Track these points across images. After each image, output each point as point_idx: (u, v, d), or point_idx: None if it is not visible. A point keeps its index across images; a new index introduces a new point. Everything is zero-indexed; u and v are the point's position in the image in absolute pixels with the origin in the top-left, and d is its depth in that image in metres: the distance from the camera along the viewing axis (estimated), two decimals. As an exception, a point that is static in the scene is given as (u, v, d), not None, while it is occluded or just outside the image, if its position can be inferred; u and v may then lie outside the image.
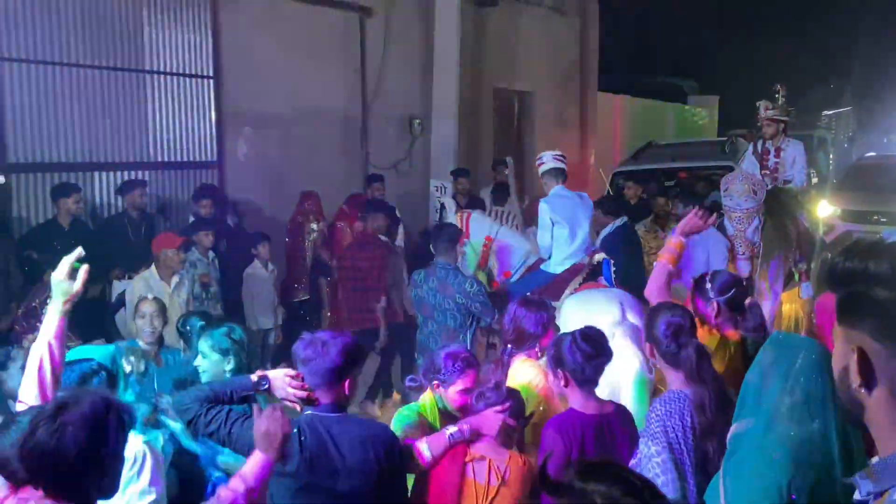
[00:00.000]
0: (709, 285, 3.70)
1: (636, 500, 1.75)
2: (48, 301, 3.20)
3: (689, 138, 13.53)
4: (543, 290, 5.98)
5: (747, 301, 3.76)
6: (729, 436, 2.35)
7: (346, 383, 2.81)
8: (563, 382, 3.16)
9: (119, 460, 2.17)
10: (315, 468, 2.65)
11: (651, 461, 2.78)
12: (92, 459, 2.03)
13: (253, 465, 2.45)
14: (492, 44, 11.29)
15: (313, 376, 2.75)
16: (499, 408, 3.08)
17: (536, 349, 3.66)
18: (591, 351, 3.12)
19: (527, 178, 11.17)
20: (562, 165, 6.14)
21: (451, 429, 3.07)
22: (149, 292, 5.26)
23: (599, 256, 5.90)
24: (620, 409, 3.30)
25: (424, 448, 3.03)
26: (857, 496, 1.40)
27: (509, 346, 3.74)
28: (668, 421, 2.84)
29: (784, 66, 17.23)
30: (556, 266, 5.96)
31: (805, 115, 15.60)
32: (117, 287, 6.38)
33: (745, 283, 5.85)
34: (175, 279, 5.99)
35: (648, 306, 3.63)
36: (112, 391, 3.11)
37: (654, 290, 3.72)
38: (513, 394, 3.20)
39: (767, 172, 7.07)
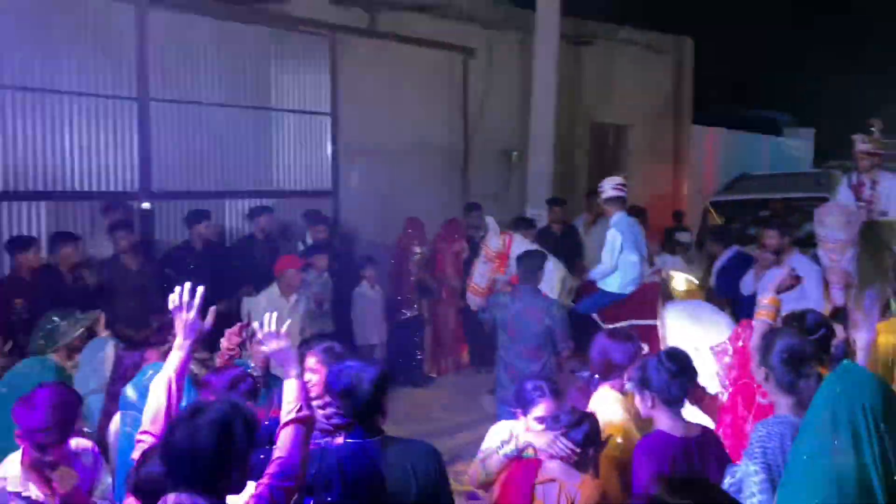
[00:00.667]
0: (796, 324, 3.64)
1: None
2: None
3: (783, 170, 13.52)
4: (611, 309, 6.40)
5: (835, 341, 3.66)
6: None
7: (382, 410, 2.82)
8: (650, 404, 3.15)
9: (247, 461, 2.35)
10: (357, 495, 2.66)
11: (749, 479, 2.76)
12: (222, 459, 2.25)
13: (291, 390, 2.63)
14: (588, 80, 11.73)
15: (350, 407, 2.75)
16: (562, 430, 3.13)
17: (623, 379, 3.60)
18: (676, 370, 3.11)
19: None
20: (622, 194, 6.49)
21: (506, 448, 3.22)
22: (270, 307, 5.57)
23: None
24: (708, 432, 3.29)
25: (478, 467, 3.24)
26: None
27: (596, 375, 3.73)
28: (767, 443, 2.82)
29: (881, 98, 16.97)
30: (623, 288, 6.38)
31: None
32: (246, 304, 7.02)
33: (839, 311, 6.03)
34: (293, 297, 6.55)
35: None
36: (255, 399, 3.39)
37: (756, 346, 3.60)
38: (587, 417, 3.20)
39: (863, 205, 7.16)
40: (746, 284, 6.62)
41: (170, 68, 7.47)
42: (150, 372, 3.23)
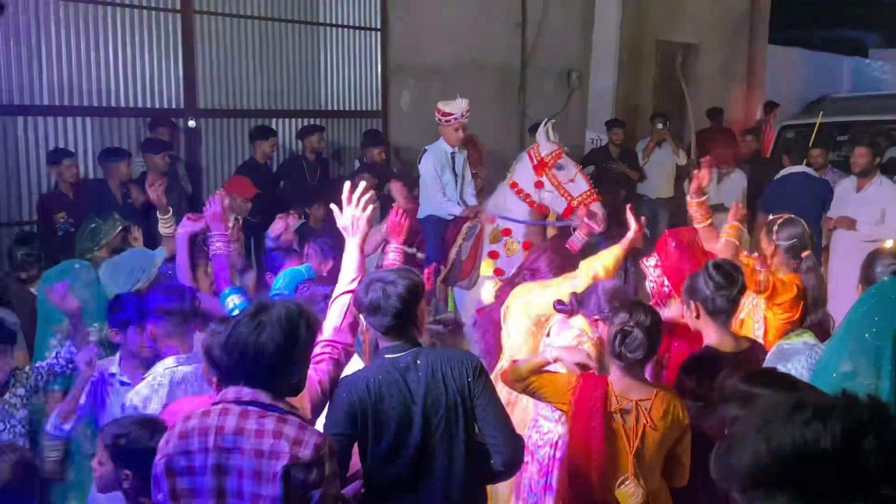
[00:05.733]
0: (775, 227, 3.81)
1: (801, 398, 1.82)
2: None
3: (867, 92, 12.62)
4: None
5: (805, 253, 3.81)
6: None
7: (417, 318, 2.75)
8: (695, 314, 3.19)
9: (306, 361, 2.40)
10: (387, 415, 2.63)
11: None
12: (284, 356, 2.26)
13: (351, 254, 2.87)
14: (656, -6, 11.01)
15: (382, 318, 2.67)
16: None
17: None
18: (723, 281, 3.13)
19: (685, 135, 10.90)
20: None
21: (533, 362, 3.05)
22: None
23: None
24: (756, 345, 3.28)
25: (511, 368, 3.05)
26: None
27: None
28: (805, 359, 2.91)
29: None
30: None
31: None
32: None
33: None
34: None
35: None
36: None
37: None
38: (637, 308, 2.97)
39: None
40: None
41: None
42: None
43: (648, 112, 10.46)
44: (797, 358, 2.99)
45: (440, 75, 8.79)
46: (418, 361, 2.67)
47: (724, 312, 3.17)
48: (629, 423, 2.85)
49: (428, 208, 6.05)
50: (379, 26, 8.41)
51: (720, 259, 3.32)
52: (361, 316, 2.75)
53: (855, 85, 14.49)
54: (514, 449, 2.71)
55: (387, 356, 2.70)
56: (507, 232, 5.68)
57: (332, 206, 2.97)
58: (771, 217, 4.03)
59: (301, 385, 2.39)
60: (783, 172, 7.22)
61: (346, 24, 8.26)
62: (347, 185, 2.93)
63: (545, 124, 5.67)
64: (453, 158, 6.10)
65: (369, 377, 2.66)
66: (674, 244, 3.83)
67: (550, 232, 5.85)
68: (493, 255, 5.70)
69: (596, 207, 5.30)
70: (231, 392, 2.28)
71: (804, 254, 3.78)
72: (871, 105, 9.85)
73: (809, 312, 3.60)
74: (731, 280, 3.15)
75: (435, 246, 5.87)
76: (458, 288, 5.88)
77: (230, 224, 4.03)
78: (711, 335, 3.17)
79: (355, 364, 2.97)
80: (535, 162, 5.55)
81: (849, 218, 6.28)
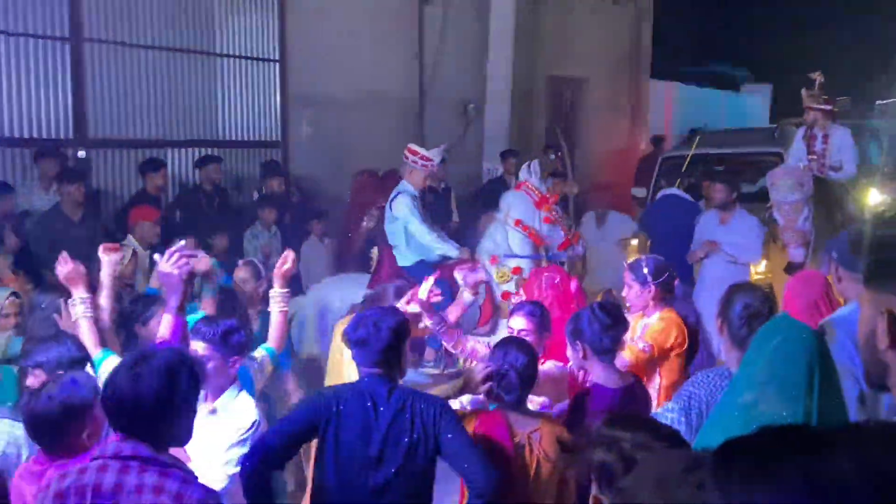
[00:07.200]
0: (645, 269, 3.89)
1: (662, 443, 1.85)
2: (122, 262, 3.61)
3: (741, 126, 13.52)
4: None
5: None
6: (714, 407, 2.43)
7: (401, 358, 2.86)
8: (581, 354, 3.25)
9: (192, 410, 2.30)
10: (353, 437, 2.73)
11: (665, 415, 2.90)
12: (165, 406, 2.18)
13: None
14: (546, 31, 11.46)
15: (369, 355, 2.80)
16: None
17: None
18: (609, 322, 3.20)
19: (578, 163, 11.35)
20: None
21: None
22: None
23: None
24: (639, 380, 3.39)
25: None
26: None
27: None
28: (695, 390, 2.94)
29: (838, 55, 17.01)
30: None
31: (862, 104, 15.39)
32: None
33: (798, 266, 6.07)
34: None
35: None
36: (246, 351, 3.32)
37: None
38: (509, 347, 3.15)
39: (815, 157, 7.22)
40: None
41: (106, 8, 7.04)
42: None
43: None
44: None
45: (339, 105, 8.84)
46: (392, 395, 2.77)
47: (611, 351, 3.27)
48: (524, 455, 2.93)
49: (417, 253, 5.79)
50: (277, 57, 8.39)
51: (602, 300, 3.49)
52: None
53: (729, 118, 15.47)
54: (487, 480, 2.71)
55: (365, 380, 2.82)
56: (518, 270, 5.56)
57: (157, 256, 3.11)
58: (633, 260, 4.15)
59: (186, 435, 2.29)
60: (659, 195, 7.89)
61: (243, 54, 8.20)
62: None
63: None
64: (421, 201, 5.97)
65: (341, 395, 2.78)
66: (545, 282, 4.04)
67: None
68: (506, 295, 5.52)
69: (581, 242, 5.72)
70: (110, 446, 2.18)
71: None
72: (742, 138, 10.53)
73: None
74: (616, 319, 3.25)
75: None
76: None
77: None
78: (598, 373, 3.25)
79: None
80: (537, 198, 5.67)
81: (711, 241, 6.64)
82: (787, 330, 2.31)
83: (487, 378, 3.04)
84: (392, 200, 5.87)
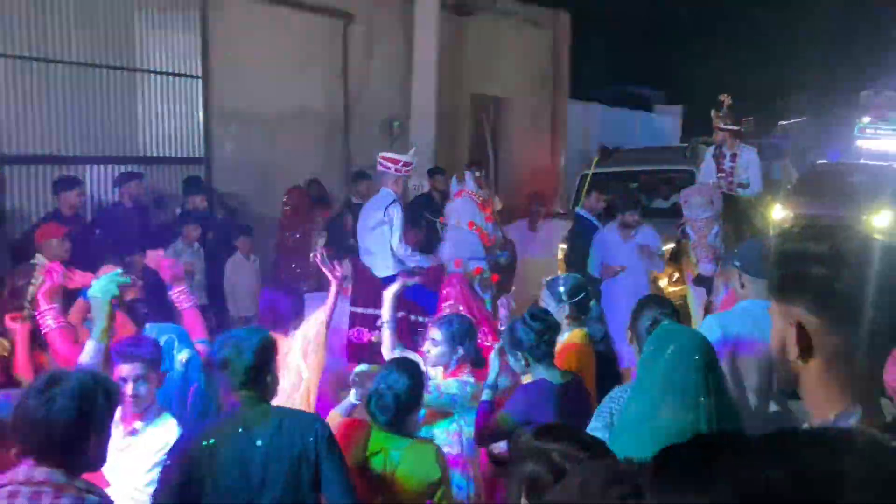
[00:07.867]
0: (561, 289, 3.99)
1: (588, 452, 1.93)
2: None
3: (653, 144, 14.06)
4: None
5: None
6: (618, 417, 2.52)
7: (267, 378, 2.77)
8: (525, 363, 3.37)
9: (106, 433, 2.24)
10: (230, 466, 2.65)
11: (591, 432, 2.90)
12: (79, 430, 2.12)
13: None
14: (469, 51, 11.71)
15: (234, 377, 2.70)
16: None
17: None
18: (542, 328, 3.35)
19: (500, 180, 11.60)
20: None
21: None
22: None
23: None
24: (579, 379, 3.50)
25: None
26: None
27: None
28: (614, 405, 3.05)
29: (745, 79, 17.94)
30: None
31: (766, 125, 16.27)
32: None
33: (706, 280, 6.37)
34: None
35: None
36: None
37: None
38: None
39: (723, 175, 7.62)
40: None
41: (21, 23, 6.86)
42: None
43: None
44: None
45: (264, 122, 8.82)
46: (267, 417, 2.69)
47: (549, 355, 3.39)
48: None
49: (396, 262, 5.81)
50: (200, 74, 8.32)
51: (531, 308, 3.57)
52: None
53: (643, 137, 16.06)
54: None
55: (234, 407, 2.73)
56: (479, 270, 5.73)
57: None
58: (551, 278, 4.24)
59: (101, 460, 2.23)
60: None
61: (165, 70, 8.11)
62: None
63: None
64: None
65: (208, 432, 2.68)
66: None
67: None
68: None
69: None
70: (21, 471, 2.08)
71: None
72: (655, 156, 10.95)
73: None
74: (548, 324, 3.40)
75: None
76: None
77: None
78: (542, 375, 3.38)
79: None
80: (480, 201, 5.96)
81: (613, 268, 6.81)
82: (679, 337, 2.44)
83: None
84: (387, 208, 5.89)
